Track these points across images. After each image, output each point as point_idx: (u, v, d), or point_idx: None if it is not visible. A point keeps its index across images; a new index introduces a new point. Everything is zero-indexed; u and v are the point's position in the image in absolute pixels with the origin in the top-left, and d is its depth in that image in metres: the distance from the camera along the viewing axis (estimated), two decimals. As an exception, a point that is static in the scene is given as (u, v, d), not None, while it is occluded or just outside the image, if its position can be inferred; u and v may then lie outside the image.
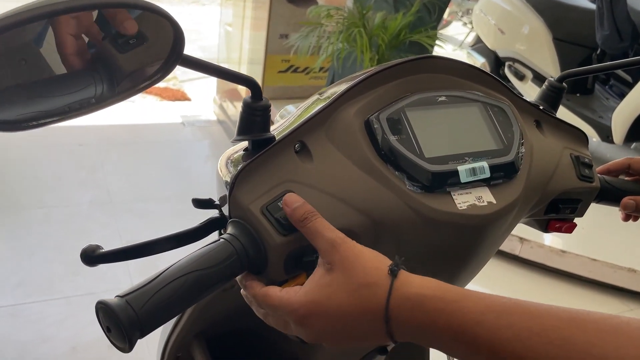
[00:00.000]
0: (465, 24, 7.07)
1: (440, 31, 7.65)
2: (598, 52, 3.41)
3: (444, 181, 0.57)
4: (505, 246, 2.64)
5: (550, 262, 2.59)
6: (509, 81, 3.90)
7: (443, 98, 0.62)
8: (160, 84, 4.07)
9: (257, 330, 0.84)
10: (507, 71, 3.87)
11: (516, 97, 0.69)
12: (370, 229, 0.56)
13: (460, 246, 0.60)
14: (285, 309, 0.50)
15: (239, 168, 0.53)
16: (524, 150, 0.63)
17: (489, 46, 3.97)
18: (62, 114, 0.46)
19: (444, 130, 0.60)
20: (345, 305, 0.47)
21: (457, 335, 0.44)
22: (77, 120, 0.49)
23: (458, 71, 0.65)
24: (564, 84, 0.74)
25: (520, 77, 3.76)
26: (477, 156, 0.60)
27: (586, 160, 0.71)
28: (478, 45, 4.15)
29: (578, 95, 3.59)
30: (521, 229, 2.67)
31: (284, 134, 0.56)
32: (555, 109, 0.75)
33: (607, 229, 2.88)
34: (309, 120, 0.57)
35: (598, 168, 0.79)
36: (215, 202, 0.59)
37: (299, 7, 3.45)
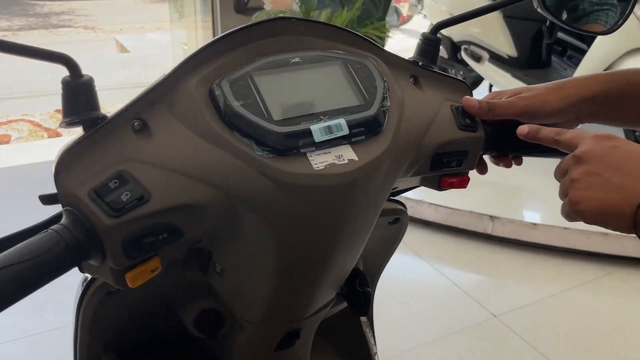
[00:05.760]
0: (425, 16, 7.12)
1: (402, 26, 7.72)
2: (547, 23, 3.43)
3: (296, 142, 0.54)
4: (477, 226, 2.63)
5: (523, 237, 2.57)
6: (467, 65, 3.90)
7: (297, 59, 0.59)
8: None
9: (173, 338, 0.81)
10: (463, 54, 3.87)
11: (388, 54, 0.67)
12: (224, 202, 0.53)
13: (329, 210, 0.57)
14: (586, 132, 0.58)
15: (60, 150, 0.50)
16: (388, 104, 0.61)
17: (444, 33, 3.97)
18: None
19: (297, 92, 0.58)
20: (636, 148, 0.55)
21: None
22: None
23: (318, 32, 0.63)
24: (438, 35, 0.72)
25: (477, 59, 3.77)
26: (334, 114, 0.57)
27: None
28: (433, 33, 4.15)
29: (536, 69, 3.60)
30: (490, 208, 2.65)
31: (117, 111, 0.53)
32: (434, 62, 0.73)
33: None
34: (145, 94, 0.54)
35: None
36: None
37: (247, 16, 3.44)
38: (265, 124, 0.53)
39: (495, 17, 3.56)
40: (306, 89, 0.58)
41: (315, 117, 0.56)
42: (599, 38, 3.19)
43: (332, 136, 0.56)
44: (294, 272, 0.63)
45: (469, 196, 2.68)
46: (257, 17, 2.91)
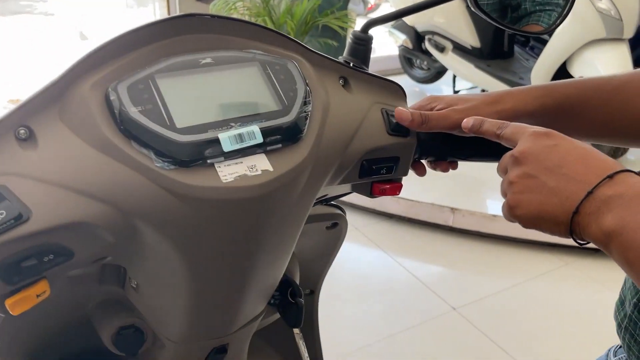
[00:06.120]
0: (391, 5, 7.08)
1: (370, 15, 7.67)
2: (510, 14, 3.43)
3: (201, 152, 0.50)
4: (438, 218, 2.62)
5: (483, 228, 2.58)
6: (431, 55, 3.89)
7: (208, 60, 0.55)
8: None
9: (92, 356, 0.76)
10: (427, 44, 3.86)
11: (314, 54, 0.63)
12: (119, 219, 0.49)
13: (242, 225, 0.53)
14: (526, 128, 0.56)
15: None
16: (309, 109, 0.57)
17: (408, 23, 3.95)
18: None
19: (205, 96, 0.53)
20: (575, 146, 0.52)
21: None
22: None
23: (235, 30, 0.58)
24: (369, 33, 0.68)
25: (441, 49, 3.76)
26: (247, 120, 0.53)
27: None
28: (398, 23, 4.13)
29: (498, 60, 3.61)
30: (451, 200, 2.65)
31: None
32: (366, 62, 0.69)
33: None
34: (33, 98, 0.49)
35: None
36: None
37: (206, 4, 3.35)
38: (165, 132, 0.49)
39: (459, 7, 3.54)
40: (217, 93, 0.54)
41: (226, 124, 0.52)
42: (560, 28, 3.20)
43: (244, 145, 0.52)
44: (210, 289, 0.59)
45: (430, 189, 2.68)
46: (214, 6, 2.83)
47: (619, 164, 0.51)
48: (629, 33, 2.98)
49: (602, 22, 2.95)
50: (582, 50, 3.07)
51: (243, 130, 0.52)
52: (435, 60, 3.89)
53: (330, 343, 2.01)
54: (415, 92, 4.27)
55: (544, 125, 0.69)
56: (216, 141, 0.50)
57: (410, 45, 4.03)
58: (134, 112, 0.49)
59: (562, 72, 3.16)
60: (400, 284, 2.35)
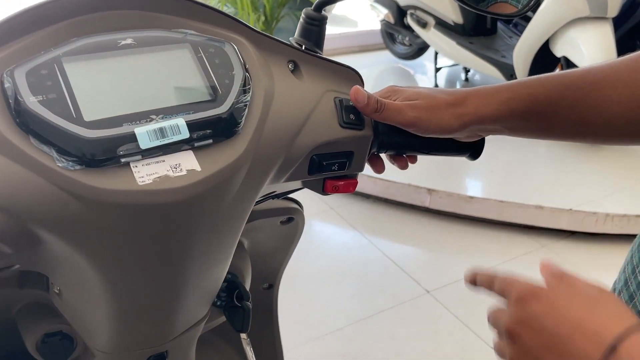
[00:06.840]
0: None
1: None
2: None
3: (113, 150, 0.43)
4: (414, 199, 2.58)
5: (459, 210, 2.54)
6: (413, 31, 3.80)
7: (129, 41, 0.47)
8: None
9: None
10: (409, 20, 3.76)
11: (259, 35, 0.56)
12: (14, 230, 0.42)
13: (165, 231, 0.47)
14: (512, 285, 0.49)
15: None
16: (247, 98, 0.50)
17: (391, -5, 3.85)
18: None
19: (123, 84, 0.46)
20: (570, 307, 0.43)
21: None
22: None
23: (165, 6, 0.51)
24: (323, 12, 0.61)
25: (423, 25, 3.67)
26: (172, 112, 0.46)
27: (352, 103, 0.59)
28: (380, -3, 4.01)
29: (481, 37, 3.54)
30: (428, 181, 2.60)
31: None
32: (320, 45, 0.62)
33: (512, 170, 2.88)
34: None
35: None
36: None
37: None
38: (70, 126, 0.42)
39: (442, -19, 3.45)
40: (136, 80, 0.47)
41: (145, 116, 0.45)
42: (543, 6, 3.13)
43: (166, 141, 0.45)
44: (137, 298, 0.52)
45: (407, 169, 2.63)
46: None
47: (628, 320, 0.41)
48: (613, 12, 2.92)
49: (586, 0, 2.89)
50: (565, 28, 3.01)
51: (165, 123, 0.45)
52: (417, 36, 3.80)
53: (302, 326, 1.98)
54: (397, 68, 4.19)
55: (513, 128, 0.62)
56: (132, 137, 0.44)
57: (392, 20, 3.93)
58: (32, 102, 0.42)
59: (545, 50, 3.10)
60: (374, 266, 2.32)
